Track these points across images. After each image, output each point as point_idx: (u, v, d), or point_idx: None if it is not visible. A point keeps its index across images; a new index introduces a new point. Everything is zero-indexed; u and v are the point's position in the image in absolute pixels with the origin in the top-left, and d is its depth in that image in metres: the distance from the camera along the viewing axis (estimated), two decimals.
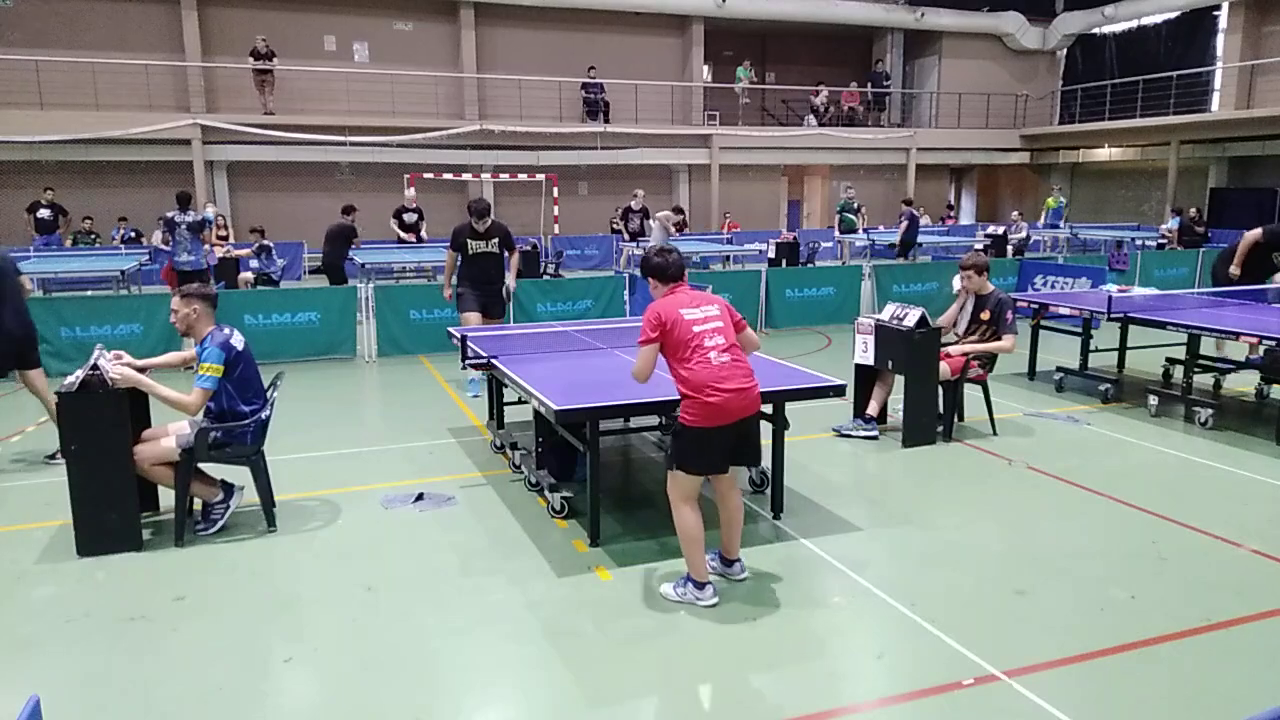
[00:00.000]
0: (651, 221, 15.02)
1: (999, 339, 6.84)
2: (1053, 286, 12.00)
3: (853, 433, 6.76)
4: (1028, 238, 18.86)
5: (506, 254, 8.23)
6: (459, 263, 8.06)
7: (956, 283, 7.14)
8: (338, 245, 12.10)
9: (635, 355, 4.08)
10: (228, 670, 3.59)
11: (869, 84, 25.39)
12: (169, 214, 11.12)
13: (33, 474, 6.08)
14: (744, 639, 3.80)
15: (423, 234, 15.55)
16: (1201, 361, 7.57)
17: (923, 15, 24.88)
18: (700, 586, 4.06)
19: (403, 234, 15.14)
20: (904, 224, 16.55)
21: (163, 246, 11.33)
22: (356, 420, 7.59)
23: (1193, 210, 19.59)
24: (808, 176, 27.06)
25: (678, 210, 15.64)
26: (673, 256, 4.23)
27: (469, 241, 7.98)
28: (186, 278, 10.48)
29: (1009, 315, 6.81)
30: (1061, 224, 21.06)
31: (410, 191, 15.92)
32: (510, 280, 8.33)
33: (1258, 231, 8.49)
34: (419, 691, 3.44)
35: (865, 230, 19.77)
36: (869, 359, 6.71)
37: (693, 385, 3.93)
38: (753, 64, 24.58)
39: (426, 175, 18.88)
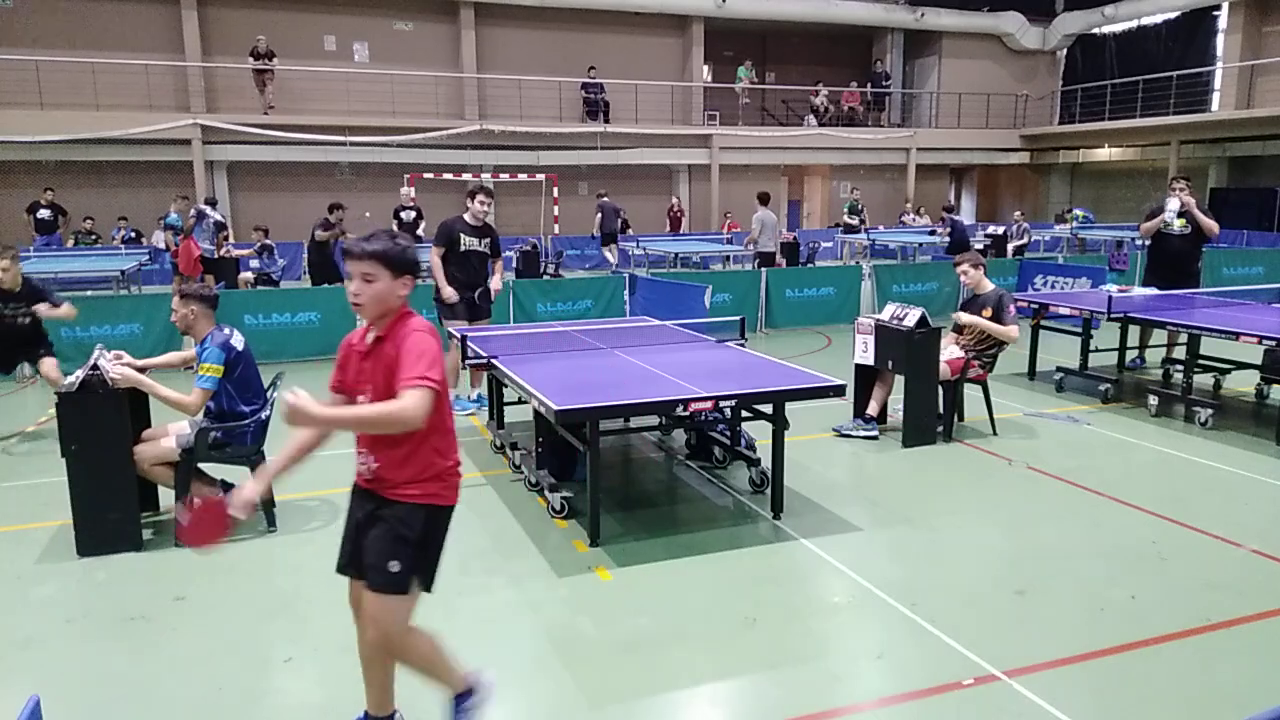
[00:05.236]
0: (758, 215, 13.64)
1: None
2: (1053, 286, 12.00)
3: (853, 433, 6.76)
4: (1027, 243, 18.85)
5: (491, 259, 7.53)
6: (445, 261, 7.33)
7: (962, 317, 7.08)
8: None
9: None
10: (228, 670, 3.59)
11: (869, 84, 25.38)
12: (203, 205, 11.65)
13: (33, 474, 6.07)
14: (744, 639, 3.80)
15: (420, 233, 15.49)
16: (1202, 361, 7.59)
17: (923, 15, 24.88)
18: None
19: None
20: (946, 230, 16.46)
21: (179, 226, 11.89)
22: None
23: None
24: (808, 176, 27.06)
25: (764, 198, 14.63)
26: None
27: (462, 236, 7.31)
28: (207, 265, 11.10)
29: (1010, 309, 6.82)
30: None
31: (407, 190, 15.79)
32: (496, 281, 7.58)
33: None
34: (418, 692, 3.44)
35: (867, 230, 19.92)
36: (869, 359, 6.71)
37: None
38: (753, 64, 24.57)
39: (426, 175, 18.88)
